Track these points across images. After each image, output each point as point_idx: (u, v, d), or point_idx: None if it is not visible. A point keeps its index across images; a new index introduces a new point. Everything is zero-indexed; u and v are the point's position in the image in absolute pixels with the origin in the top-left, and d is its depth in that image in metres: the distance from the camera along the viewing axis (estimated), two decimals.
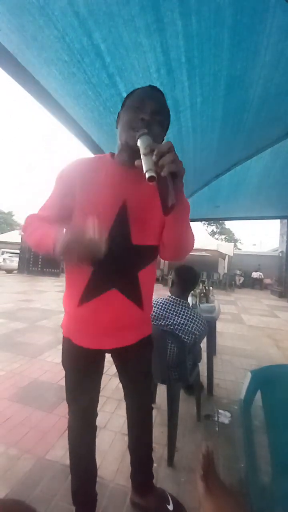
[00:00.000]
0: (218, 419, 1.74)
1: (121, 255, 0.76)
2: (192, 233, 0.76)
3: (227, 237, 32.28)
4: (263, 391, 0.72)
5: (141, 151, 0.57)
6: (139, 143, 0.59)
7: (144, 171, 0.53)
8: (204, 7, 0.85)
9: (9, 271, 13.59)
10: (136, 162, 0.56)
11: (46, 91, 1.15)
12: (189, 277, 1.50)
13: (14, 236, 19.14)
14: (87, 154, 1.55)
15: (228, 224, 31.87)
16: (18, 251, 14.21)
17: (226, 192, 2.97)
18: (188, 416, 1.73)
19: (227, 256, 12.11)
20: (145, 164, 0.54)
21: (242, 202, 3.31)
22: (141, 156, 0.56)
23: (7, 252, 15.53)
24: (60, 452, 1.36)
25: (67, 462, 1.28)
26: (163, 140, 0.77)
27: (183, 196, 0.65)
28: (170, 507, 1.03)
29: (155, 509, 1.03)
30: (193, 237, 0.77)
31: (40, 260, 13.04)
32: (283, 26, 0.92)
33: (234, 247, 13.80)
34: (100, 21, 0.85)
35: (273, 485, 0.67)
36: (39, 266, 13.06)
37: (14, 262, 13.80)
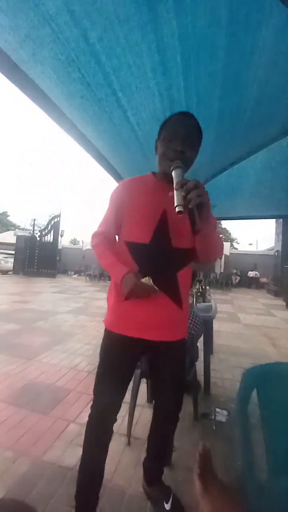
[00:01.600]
0: (215, 417, 1.75)
1: (163, 257, 0.87)
2: (221, 242, 0.91)
3: (223, 237, 32.49)
4: (259, 389, 0.72)
5: (174, 185, 0.69)
6: (173, 175, 0.72)
7: (175, 205, 0.66)
8: (200, 7, 0.85)
9: (4, 272, 13.45)
10: (170, 194, 0.69)
11: (41, 90, 1.15)
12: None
13: (9, 237, 18.97)
14: (83, 153, 1.53)
15: (225, 223, 32.07)
16: (13, 252, 14.06)
17: (222, 192, 2.98)
18: (185, 415, 1.73)
19: (223, 256, 12.19)
20: (176, 199, 0.66)
21: (238, 202, 3.34)
22: (174, 191, 0.68)
23: (2, 253, 15.36)
24: (56, 453, 1.35)
25: (64, 463, 1.28)
26: (196, 157, 0.92)
27: (209, 220, 0.78)
28: (167, 506, 1.05)
29: (154, 501, 1.09)
30: (222, 245, 0.92)
31: (36, 261, 12.93)
32: (279, 27, 0.93)
33: (230, 246, 13.87)
34: (95, 20, 0.85)
35: (270, 483, 0.67)
36: (35, 267, 12.93)
37: (9, 263, 13.66)
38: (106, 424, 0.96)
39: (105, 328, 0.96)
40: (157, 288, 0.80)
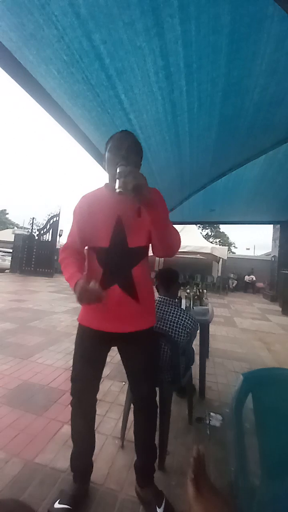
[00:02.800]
0: (209, 422, 1.74)
1: (120, 256, 0.98)
2: (175, 231, 0.95)
3: (221, 241, 32.59)
4: (254, 394, 0.72)
5: (117, 176, 0.77)
6: (117, 170, 0.77)
7: (116, 188, 0.74)
8: (203, 14, 0.86)
9: (1, 270, 13.34)
10: (116, 189, 0.76)
11: (44, 90, 1.15)
12: (166, 275, 1.57)
13: (7, 235, 18.86)
14: (84, 153, 1.54)
15: (223, 227, 32.23)
16: (10, 250, 13.97)
17: (221, 197, 3.01)
18: (179, 419, 1.73)
19: (221, 260, 12.21)
20: (117, 184, 0.75)
21: (236, 207, 3.36)
22: (116, 180, 0.76)
23: None
24: (49, 455, 1.33)
25: (57, 465, 1.26)
26: (140, 164, 1.06)
27: (152, 201, 0.81)
28: (160, 510, 1.06)
29: (146, 504, 1.10)
30: (177, 235, 0.96)
31: (33, 259, 12.86)
32: (280, 36, 0.94)
33: (228, 250, 13.93)
34: (100, 23, 0.86)
35: (263, 488, 0.67)
36: (33, 265, 12.85)
37: (6, 261, 13.54)
38: (87, 405, 1.09)
39: (78, 321, 1.09)
40: (101, 291, 0.83)
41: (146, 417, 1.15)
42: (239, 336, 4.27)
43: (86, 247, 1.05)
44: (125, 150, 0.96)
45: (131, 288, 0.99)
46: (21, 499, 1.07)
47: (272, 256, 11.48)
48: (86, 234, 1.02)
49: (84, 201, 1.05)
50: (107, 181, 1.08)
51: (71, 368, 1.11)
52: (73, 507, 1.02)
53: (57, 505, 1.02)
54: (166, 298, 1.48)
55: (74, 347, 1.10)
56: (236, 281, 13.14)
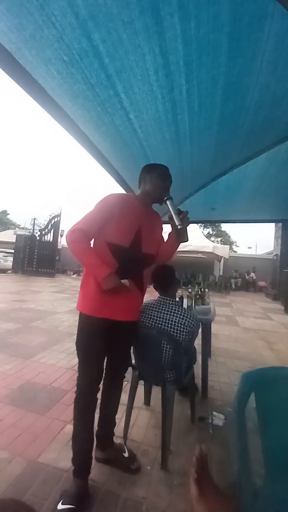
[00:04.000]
0: (212, 421, 1.74)
1: (135, 258, 1.19)
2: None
3: (223, 240, 32.49)
4: (257, 393, 0.72)
5: (172, 210, 1.17)
6: (169, 203, 1.18)
7: (177, 224, 1.16)
8: (203, 13, 0.86)
9: (3, 271, 13.39)
10: (168, 215, 1.20)
11: (44, 90, 1.15)
12: (162, 275, 1.51)
13: (9, 235, 18.92)
14: (85, 154, 1.54)
15: (224, 226, 32.12)
16: (12, 251, 14.01)
17: (222, 195, 2.99)
18: (182, 418, 1.73)
19: (222, 259, 12.17)
20: (177, 220, 1.16)
21: (238, 205, 3.35)
22: (173, 214, 1.17)
23: (1, 252, 15.32)
24: (52, 455, 1.34)
25: (60, 465, 1.27)
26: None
27: (183, 239, 1.27)
28: (126, 454, 1.32)
29: (114, 458, 1.30)
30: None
31: (35, 260, 12.90)
32: (280, 33, 0.93)
33: (229, 249, 13.88)
34: (99, 23, 0.86)
35: (266, 488, 0.67)
36: (34, 266, 12.89)
37: (8, 262, 13.61)
38: (93, 395, 1.18)
39: (85, 314, 1.15)
40: (128, 287, 1.13)
41: (117, 386, 1.35)
42: (242, 335, 4.26)
43: (103, 241, 1.14)
44: (168, 184, 1.26)
45: (141, 285, 1.22)
46: (24, 498, 1.08)
47: (275, 255, 11.43)
48: (108, 229, 1.14)
49: (119, 201, 1.18)
50: (136, 192, 1.31)
51: (78, 363, 1.18)
52: (77, 506, 1.03)
53: (60, 506, 1.02)
54: (166, 298, 1.47)
55: (80, 340, 1.18)
56: (239, 279, 13.05)
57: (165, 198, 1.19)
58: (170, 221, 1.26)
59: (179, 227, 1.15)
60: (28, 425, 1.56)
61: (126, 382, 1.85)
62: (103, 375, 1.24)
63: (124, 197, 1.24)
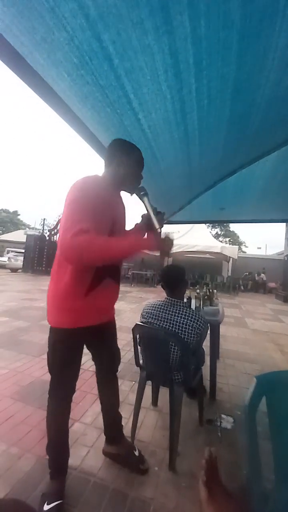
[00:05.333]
0: (220, 424, 1.72)
1: None
2: None
3: (231, 240, 32.05)
4: (268, 397, 0.70)
5: (150, 210, 1.07)
6: (146, 201, 1.08)
7: (157, 227, 1.06)
8: (213, 10, 0.85)
9: (13, 270, 13.71)
10: (144, 215, 1.20)
11: (55, 92, 1.17)
12: (171, 275, 1.49)
13: (20, 235, 19.32)
14: (93, 155, 1.55)
15: (233, 226, 31.67)
16: (22, 250, 14.31)
17: (231, 195, 2.95)
18: (190, 420, 1.71)
19: (231, 259, 12.00)
20: (156, 222, 1.07)
21: (247, 205, 3.29)
22: (152, 215, 1.07)
23: (12, 251, 15.67)
24: None
25: (68, 462, 1.28)
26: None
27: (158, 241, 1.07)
28: (136, 452, 1.32)
29: (125, 454, 1.29)
30: None
31: (44, 259, 13.13)
32: None
33: (238, 250, 13.67)
34: (109, 23, 0.86)
35: (276, 493, 0.66)
36: (44, 265, 13.13)
37: (19, 261, 13.91)
38: (69, 403, 1.17)
39: (65, 328, 1.04)
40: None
41: (115, 384, 1.34)
42: (251, 337, 4.18)
43: None
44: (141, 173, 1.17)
45: (119, 280, 1.18)
46: (33, 494, 1.09)
47: (285, 255, 11.18)
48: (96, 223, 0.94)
49: (98, 190, 0.99)
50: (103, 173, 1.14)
51: (51, 379, 1.14)
52: (63, 500, 1.06)
53: (46, 506, 1.01)
54: (172, 299, 1.45)
55: (57, 355, 1.09)
56: (251, 282, 12.74)
57: (142, 193, 1.07)
58: (146, 220, 1.16)
59: (158, 230, 1.06)
60: (38, 422, 1.59)
61: (133, 382, 1.85)
62: (97, 378, 1.28)
63: (99, 183, 1.05)
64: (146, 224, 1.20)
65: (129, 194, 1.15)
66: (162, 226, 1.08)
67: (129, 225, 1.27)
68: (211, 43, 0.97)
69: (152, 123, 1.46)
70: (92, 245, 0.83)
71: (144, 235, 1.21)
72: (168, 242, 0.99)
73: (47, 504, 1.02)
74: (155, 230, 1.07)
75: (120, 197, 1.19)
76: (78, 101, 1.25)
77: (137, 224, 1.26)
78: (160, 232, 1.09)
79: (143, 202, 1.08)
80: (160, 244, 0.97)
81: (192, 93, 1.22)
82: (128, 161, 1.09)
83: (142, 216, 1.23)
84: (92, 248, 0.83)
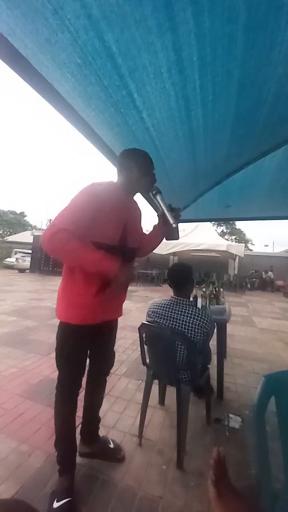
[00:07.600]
0: (228, 423, 1.71)
1: (123, 254, 1.12)
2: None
3: (237, 238, 31.68)
4: (277, 397, 0.69)
5: (164, 206, 1.14)
6: (159, 198, 1.14)
7: (171, 222, 1.14)
8: (217, 5, 0.83)
9: (21, 270, 13.93)
10: (160, 212, 1.23)
11: (59, 94, 1.17)
12: (177, 273, 1.48)
13: (27, 236, 19.58)
14: (98, 155, 1.56)
15: (239, 224, 31.28)
16: (30, 251, 14.52)
17: (237, 192, 2.91)
18: (197, 419, 1.71)
19: (237, 257, 11.86)
20: (171, 218, 1.14)
21: (254, 202, 3.24)
22: (166, 211, 1.15)
23: (19, 252, 15.91)
24: None
25: (78, 459, 1.29)
26: None
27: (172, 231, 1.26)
28: (111, 445, 1.37)
29: (100, 450, 1.33)
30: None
31: (51, 260, 13.29)
32: None
33: (245, 247, 13.50)
34: (112, 22, 0.86)
35: (286, 492, 0.65)
36: (50, 265, 13.30)
37: (26, 262, 14.12)
38: (76, 398, 1.21)
39: (73, 324, 1.10)
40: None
41: (103, 386, 1.37)
42: (259, 336, 4.13)
43: (88, 241, 1.00)
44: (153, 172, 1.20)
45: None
46: (43, 491, 1.11)
47: None
48: (97, 228, 1.01)
49: (107, 195, 1.05)
50: (116, 179, 1.20)
51: (59, 374, 1.19)
52: (73, 497, 1.07)
53: (56, 504, 1.02)
54: (179, 298, 1.44)
55: (65, 350, 1.15)
56: (258, 280, 12.55)
57: (154, 192, 1.13)
58: (161, 217, 1.23)
59: (173, 225, 1.13)
60: (47, 419, 1.61)
61: (140, 381, 1.85)
62: (87, 376, 1.28)
63: (110, 189, 1.10)
64: (162, 222, 1.25)
65: (147, 195, 1.24)
66: (177, 222, 1.13)
67: (147, 227, 1.34)
68: (215, 38, 0.95)
69: (156, 121, 1.45)
70: (67, 245, 0.92)
71: (163, 235, 1.30)
72: (130, 275, 1.02)
73: (57, 502, 1.03)
74: (169, 225, 1.14)
75: (135, 202, 1.25)
76: (82, 101, 1.25)
77: (155, 225, 1.32)
78: (176, 227, 1.16)
79: (156, 200, 1.13)
80: (120, 273, 0.97)
81: (196, 89, 1.21)
82: (137, 164, 1.14)
83: (158, 216, 1.29)
84: (66, 248, 0.92)
